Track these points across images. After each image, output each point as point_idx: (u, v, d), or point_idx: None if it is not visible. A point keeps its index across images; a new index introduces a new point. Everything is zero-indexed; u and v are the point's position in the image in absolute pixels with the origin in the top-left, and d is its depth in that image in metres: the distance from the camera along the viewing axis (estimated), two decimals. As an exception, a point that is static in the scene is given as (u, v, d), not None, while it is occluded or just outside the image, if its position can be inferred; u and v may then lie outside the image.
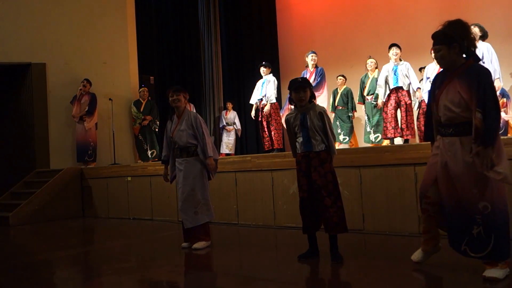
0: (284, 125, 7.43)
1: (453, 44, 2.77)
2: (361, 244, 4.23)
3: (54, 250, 4.93)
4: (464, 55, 2.83)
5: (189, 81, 11.34)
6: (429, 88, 6.40)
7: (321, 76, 6.99)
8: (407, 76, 6.55)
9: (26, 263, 4.25)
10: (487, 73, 2.73)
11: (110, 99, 8.69)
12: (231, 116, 9.95)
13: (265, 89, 7.33)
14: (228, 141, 9.76)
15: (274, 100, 7.26)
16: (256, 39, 11.66)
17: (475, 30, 5.88)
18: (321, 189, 3.40)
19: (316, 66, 7.08)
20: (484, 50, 5.89)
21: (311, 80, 6.94)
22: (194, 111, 9.57)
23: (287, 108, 7.08)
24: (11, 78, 8.89)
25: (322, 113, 3.47)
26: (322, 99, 6.89)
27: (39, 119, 8.41)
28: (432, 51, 2.92)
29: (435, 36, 2.87)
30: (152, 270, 3.68)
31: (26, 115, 8.65)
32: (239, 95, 11.85)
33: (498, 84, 5.88)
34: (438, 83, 2.95)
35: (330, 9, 10.66)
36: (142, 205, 6.91)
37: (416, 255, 3.15)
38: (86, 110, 8.30)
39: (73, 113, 8.35)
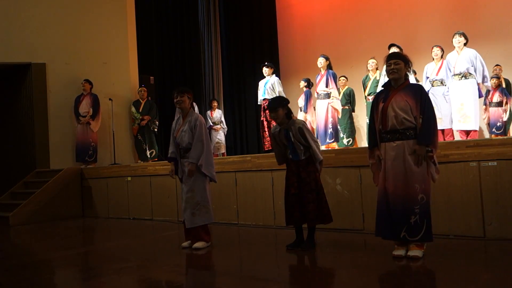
0: None
1: (406, 65, 3.46)
2: (361, 244, 4.23)
3: (54, 250, 4.93)
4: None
5: (189, 81, 11.33)
6: (429, 88, 6.42)
7: (332, 78, 7.14)
8: None
9: (26, 263, 4.25)
10: (424, 89, 3.52)
11: (110, 99, 8.69)
12: (217, 115, 9.70)
13: (269, 91, 7.34)
14: (218, 141, 9.56)
15: None
16: (256, 39, 11.67)
17: (461, 39, 6.01)
18: (306, 185, 3.85)
19: (328, 69, 7.19)
20: (472, 56, 6.00)
21: (322, 82, 7.13)
22: (197, 110, 9.54)
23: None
24: (11, 78, 8.89)
25: (301, 128, 3.89)
26: (335, 93, 7.17)
27: (39, 119, 8.40)
28: (392, 64, 3.41)
29: (396, 54, 3.54)
30: (152, 270, 3.68)
31: (26, 115, 8.64)
32: (239, 95, 11.85)
33: (486, 84, 6.03)
34: (383, 97, 3.49)
35: (330, 9, 10.66)
36: (142, 205, 6.91)
37: (400, 250, 3.41)
38: (90, 115, 8.28)
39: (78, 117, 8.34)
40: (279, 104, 3.95)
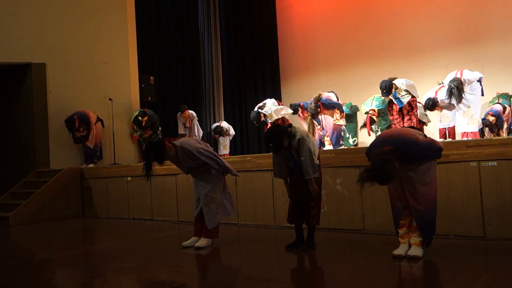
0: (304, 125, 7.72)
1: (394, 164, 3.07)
2: (361, 244, 4.23)
3: (54, 250, 4.93)
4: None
5: (189, 81, 11.33)
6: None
7: (324, 106, 7.00)
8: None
9: (26, 263, 4.25)
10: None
11: (110, 99, 8.69)
12: (224, 125, 10.34)
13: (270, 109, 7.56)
14: (223, 141, 10.22)
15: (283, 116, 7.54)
16: (256, 39, 11.67)
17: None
18: (309, 193, 3.82)
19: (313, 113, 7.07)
20: (472, 77, 6.14)
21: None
22: (196, 120, 9.58)
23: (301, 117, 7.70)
24: (11, 78, 8.89)
25: (300, 139, 3.72)
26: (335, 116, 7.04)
27: (39, 119, 8.40)
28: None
29: (386, 181, 3.10)
30: (152, 270, 3.68)
31: (26, 115, 8.64)
32: (239, 95, 11.85)
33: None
34: None
35: (330, 9, 10.65)
36: (142, 205, 6.90)
37: (401, 250, 3.40)
38: (84, 135, 8.27)
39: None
40: (276, 138, 3.67)
